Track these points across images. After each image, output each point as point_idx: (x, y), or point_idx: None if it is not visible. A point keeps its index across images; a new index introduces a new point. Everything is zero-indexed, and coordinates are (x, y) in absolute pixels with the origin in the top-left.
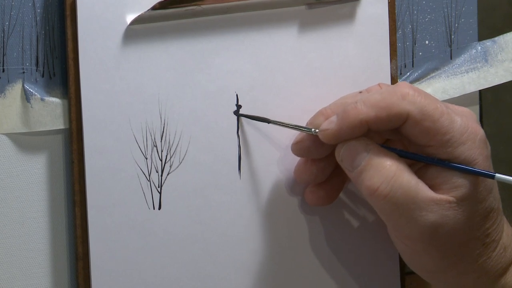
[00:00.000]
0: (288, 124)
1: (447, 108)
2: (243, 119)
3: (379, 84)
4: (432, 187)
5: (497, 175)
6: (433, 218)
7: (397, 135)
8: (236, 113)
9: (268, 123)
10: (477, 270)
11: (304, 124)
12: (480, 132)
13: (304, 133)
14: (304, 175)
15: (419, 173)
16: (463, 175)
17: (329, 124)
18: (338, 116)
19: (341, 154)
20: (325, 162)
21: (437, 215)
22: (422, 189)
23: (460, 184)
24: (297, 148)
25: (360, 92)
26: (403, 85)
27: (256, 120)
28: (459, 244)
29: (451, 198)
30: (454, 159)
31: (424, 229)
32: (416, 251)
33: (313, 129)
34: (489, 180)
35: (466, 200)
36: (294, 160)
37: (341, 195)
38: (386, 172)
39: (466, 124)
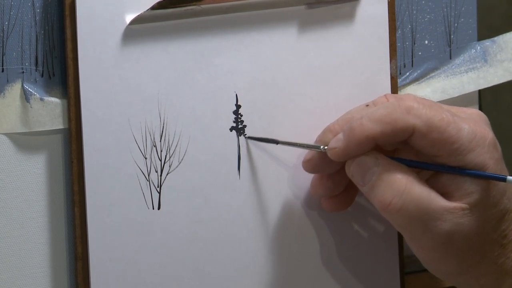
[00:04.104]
0: (297, 143)
1: (453, 116)
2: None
3: (385, 96)
4: (444, 195)
5: (509, 177)
6: (448, 227)
7: (406, 145)
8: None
9: (277, 144)
10: (497, 271)
11: (313, 140)
12: (489, 135)
13: (314, 151)
14: (320, 190)
15: (431, 182)
16: (475, 180)
17: (337, 142)
18: (345, 134)
19: (351, 170)
20: (340, 176)
21: (451, 224)
22: (435, 199)
23: (472, 190)
24: (308, 165)
25: (367, 105)
26: (407, 98)
27: (265, 142)
28: (476, 249)
29: (464, 205)
30: (465, 166)
31: (439, 239)
32: (433, 258)
33: (322, 147)
34: (502, 183)
35: (479, 205)
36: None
37: None
38: (397, 186)
39: (473, 130)
